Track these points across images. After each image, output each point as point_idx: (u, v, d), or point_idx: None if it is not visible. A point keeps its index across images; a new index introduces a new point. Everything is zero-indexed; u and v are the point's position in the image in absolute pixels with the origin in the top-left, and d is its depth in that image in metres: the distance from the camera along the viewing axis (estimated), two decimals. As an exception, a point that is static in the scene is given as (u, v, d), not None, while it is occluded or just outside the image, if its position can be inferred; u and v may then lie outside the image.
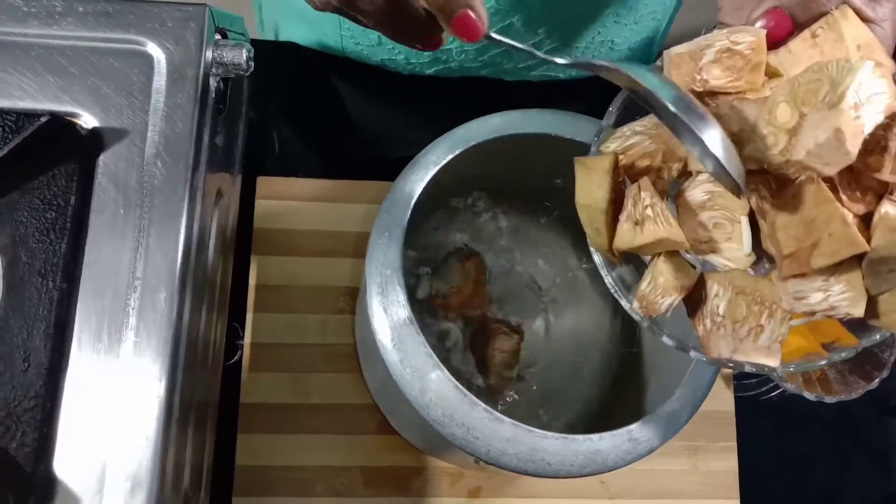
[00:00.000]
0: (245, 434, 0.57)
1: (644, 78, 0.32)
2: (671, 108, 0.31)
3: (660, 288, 0.35)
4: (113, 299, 0.42)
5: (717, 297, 0.35)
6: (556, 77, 0.66)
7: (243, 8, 0.82)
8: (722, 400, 0.63)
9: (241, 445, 0.57)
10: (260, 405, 0.58)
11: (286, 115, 0.69)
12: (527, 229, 0.61)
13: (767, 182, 0.33)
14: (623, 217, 0.35)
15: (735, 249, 0.34)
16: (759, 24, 0.33)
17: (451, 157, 0.45)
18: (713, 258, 0.35)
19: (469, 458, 0.40)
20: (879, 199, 0.31)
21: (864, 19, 0.34)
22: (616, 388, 0.57)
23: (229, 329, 0.59)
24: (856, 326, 0.35)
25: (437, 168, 0.45)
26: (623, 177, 0.37)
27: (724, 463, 0.62)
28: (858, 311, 0.31)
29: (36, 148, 0.42)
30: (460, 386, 0.39)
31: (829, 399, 0.60)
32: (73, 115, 0.44)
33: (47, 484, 0.39)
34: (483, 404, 0.39)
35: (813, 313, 0.32)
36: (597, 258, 0.38)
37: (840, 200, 0.30)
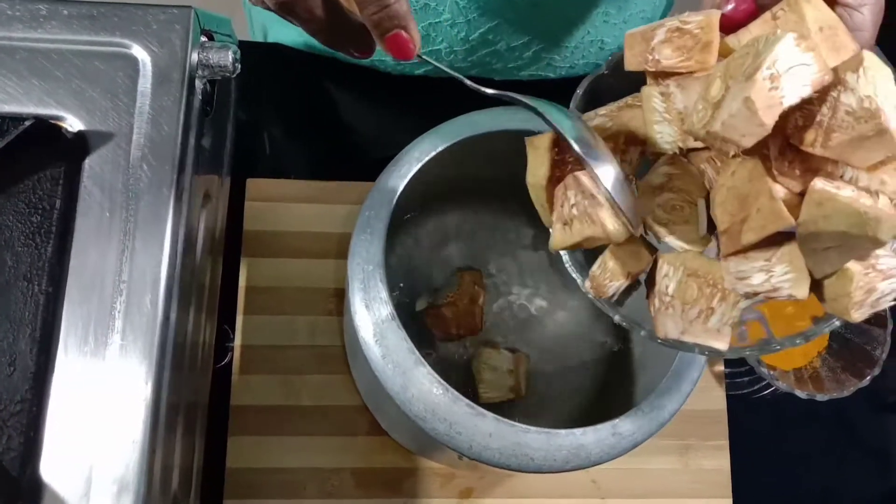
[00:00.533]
0: (235, 436, 0.57)
1: (553, 116, 0.34)
2: (573, 145, 0.33)
3: (608, 272, 0.36)
4: (99, 302, 0.42)
5: (667, 278, 0.35)
6: (546, 76, 0.66)
7: (236, 10, 0.82)
8: (713, 399, 0.63)
9: (231, 448, 0.57)
10: (250, 407, 0.58)
11: (276, 116, 0.69)
12: (517, 228, 0.61)
13: (712, 160, 0.33)
14: (554, 218, 0.36)
15: (691, 231, 0.34)
16: (728, 7, 0.33)
17: (434, 152, 0.45)
18: (670, 240, 0.35)
19: (455, 454, 0.40)
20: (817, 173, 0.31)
21: (844, 4, 0.33)
22: (605, 386, 0.57)
23: (219, 331, 0.59)
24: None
25: (421, 164, 0.45)
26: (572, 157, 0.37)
27: (717, 462, 0.62)
28: (801, 292, 0.31)
29: (21, 151, 0.42)
30: (442, 381, 0.39)
31: (820, 397, 0.60)
32: (58, 118, 0.44)
33: (34, 488, 0.39)
34: (465, 399, 0.39)
35: (756, 294, 0.32)
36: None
37: (772, 176, 0.30)
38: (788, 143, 0.30)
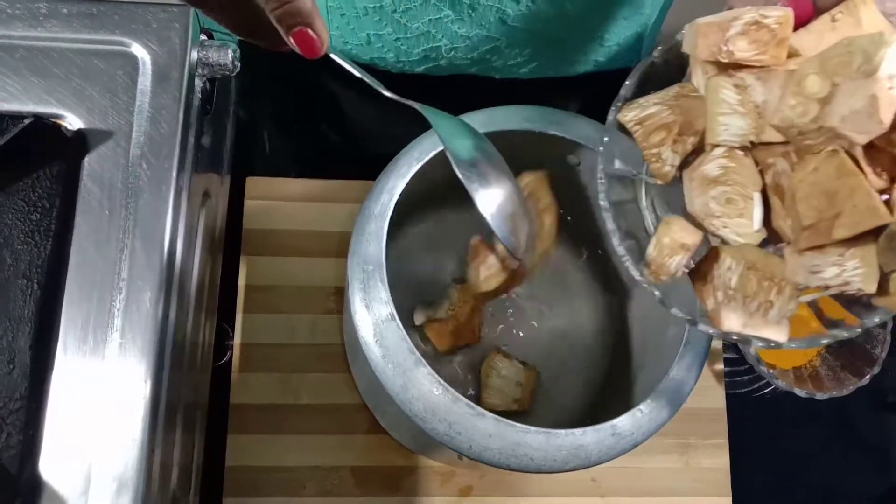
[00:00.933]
0: (235, 435, 0.57)
1: (443, 132, 0.35)
2: (454, 166, 0.33)
3: (666, 248, 0.36)
4: (98, 301, 0.42)
5: (730, 271, 0.35)
6: (546, 75, 0.66)
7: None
8: (713, 397, 0.63)
9: (231, 446, 0.57)
10: (250, 406, 0.58)
11: (277, 115, 0.69)
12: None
13: (788, 154, 0.34)
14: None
15: (745, 225, 0.35)
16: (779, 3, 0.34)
17: (434, 152, 0.45)
18: (723, 233, 0.36)
19: (454, 453, 0.40)
20: (893, 179, 0.32)
21: (883, 13, 0.34)
22: (605, 386, 0.57)
23: (219, 330, 0.59)
24: (858, 309, 0.35)
25: (421, 163, 0.45)
26: None
27: (716, 460, 0.62)
28: (871, 286, 0.32)
29: (20, 150, 0.42)
30: (443, 381, 0.39)
31: (820, 396, 0.60)
32: (58, 116, 0.44)
33: (33, 486, 0.39)
34: (465, 399, 0.39)
35: (827, 287, 0.33)
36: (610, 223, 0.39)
37: (865, 174, 0.31)
38: (869, 144, 0.31)
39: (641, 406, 0.41)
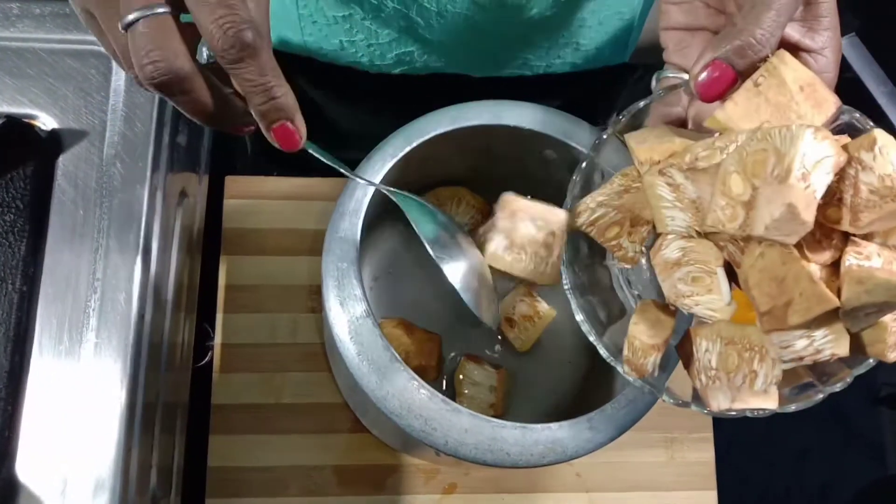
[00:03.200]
0: (217, 435, 0.57)
1: (412, 215, 0.40)
2: (427, 246, 0.38)
3: (639, 351, 0.37)
4: (73, 301, 0.42)
5: (708, 352, 0.36)
6: (524, 74, 0.66)
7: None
8: (697, 391, 0.63)
9: (213, 446, 0.56)
10: (232, 406, 0.57)
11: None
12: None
13: (735, 241, 0.34)
14: None
15: (716, 300, 0.35)
16: (702, 76, 0.33)
17: (409, 148, 0.45)
18: (697, 311, 0.36)
19: (433, 450, 0.40)
20: (844, 241, 0.32)
21: (805, 49, 0.34)
22: (587, 381, 0.57)
23: (199, 330, 0.58)
24: (846, 358, 0.35)
25: (395, 160, 0.44)
26: None
27: (701, 454, 0.62)
28: (843, 350, 0.32)
29: (-7, 150, 0.42)
30: (417, 377, 0.39)
31: (802, 388, 0.61)
32: (31, 116, 0.44)
33: (9, 487, 0.39)
34: (441, 395, 0.39)
35: (801, 359, 0.33)
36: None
37: (805, 257, 0.31)
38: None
39: (618, 399, 0.41)
